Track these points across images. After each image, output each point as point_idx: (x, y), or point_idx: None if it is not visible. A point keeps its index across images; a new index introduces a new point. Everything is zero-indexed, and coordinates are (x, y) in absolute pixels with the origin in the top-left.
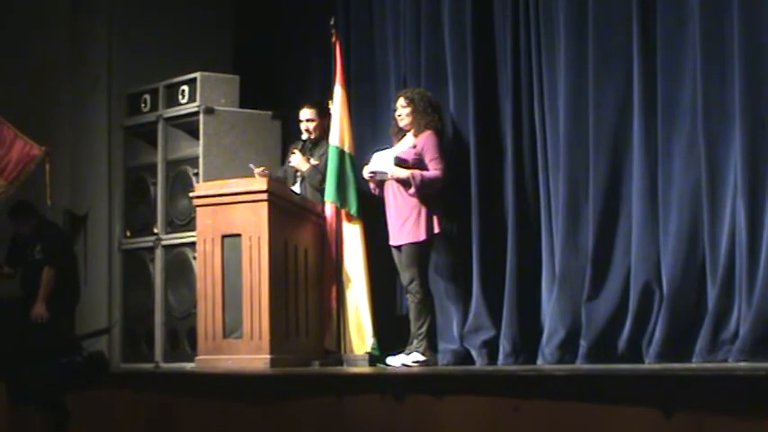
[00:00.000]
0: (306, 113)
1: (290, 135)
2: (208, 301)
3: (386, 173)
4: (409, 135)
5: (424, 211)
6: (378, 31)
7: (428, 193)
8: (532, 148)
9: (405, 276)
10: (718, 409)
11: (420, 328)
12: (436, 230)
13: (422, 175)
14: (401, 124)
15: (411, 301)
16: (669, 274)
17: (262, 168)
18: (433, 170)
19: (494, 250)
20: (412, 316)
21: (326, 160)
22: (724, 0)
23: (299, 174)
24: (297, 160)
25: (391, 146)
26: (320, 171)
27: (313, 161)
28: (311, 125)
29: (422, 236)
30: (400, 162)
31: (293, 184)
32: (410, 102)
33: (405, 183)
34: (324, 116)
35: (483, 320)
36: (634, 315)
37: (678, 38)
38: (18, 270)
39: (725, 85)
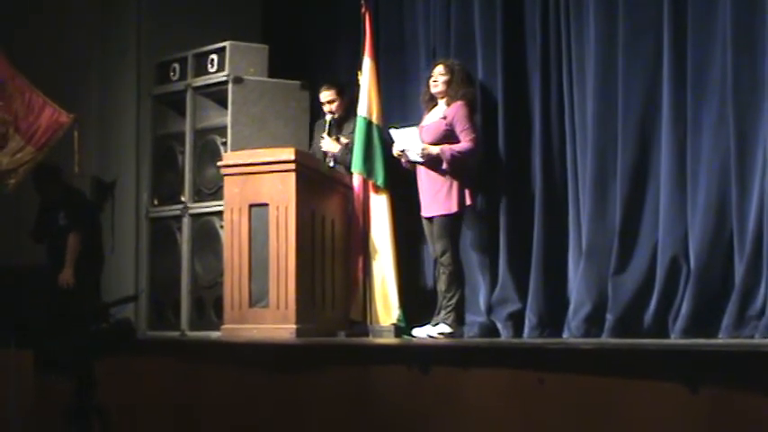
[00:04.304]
0: (325, 95)
1: (319, 105)
2: (234, 270)
3: (415, 152)
4: (441, 104)
5: (455, 183)
6: (407, 2)
7: (461, 166)
8: (561, 121)
9: (437, 248)
10: (744, 385)
11: (450, 300)
12: (468, 202)
13: (451, 149)
14: (434, 90)
15: (442, 273)
16: (696, 249)
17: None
18: (464, 141)
19: (521, 223)
20: (442, 287)
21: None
22: None
23: (329, 156)
24: (327, 144)
25: (421, 115)
26: (351, 150)
27: (343, 139)
28: (333, 105)
29: (453, 208)
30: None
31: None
32: (449, 70)
33: (436, 159)
34: (344, 92)
35: (509, 293)
36: (661, 290)
37: (709, 12)
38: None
39: (755, 59)
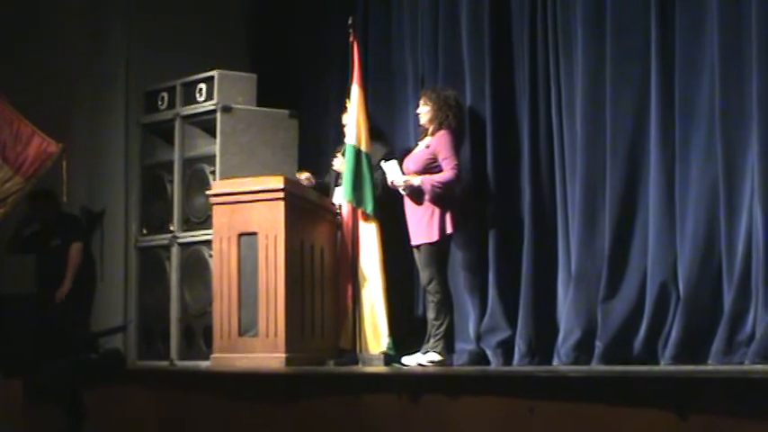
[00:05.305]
0: (346, 118)
1: (307, 134)
2: (224, 299)
3: (399, 183)
4: (428, 134)
5: (437, 211)
6: (396, 30)
7: (444, 195)
8: (549, 147)
9: (423, 276)
10: (734, 412)
11: (438, 327)
12: (449, 231)
13: (431, 180)
14: (420, 122)
15: (430, 301)
16: (685, 276)
17: (307, 175)
18: (446, 170)
19: (510, 250)
20: (430, 315)
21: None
22: (742, 2)
23: (342, 176)
24: (339, 163)
25: (412, 144)
26: None
27: None
28: None
29: (434, 236)
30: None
31: (337, 186)
32: (427, 100)
33: (418, 190)
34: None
35: (499, 321)
36: (650, 316)
37: (696, 41)
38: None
39: (743, 88)
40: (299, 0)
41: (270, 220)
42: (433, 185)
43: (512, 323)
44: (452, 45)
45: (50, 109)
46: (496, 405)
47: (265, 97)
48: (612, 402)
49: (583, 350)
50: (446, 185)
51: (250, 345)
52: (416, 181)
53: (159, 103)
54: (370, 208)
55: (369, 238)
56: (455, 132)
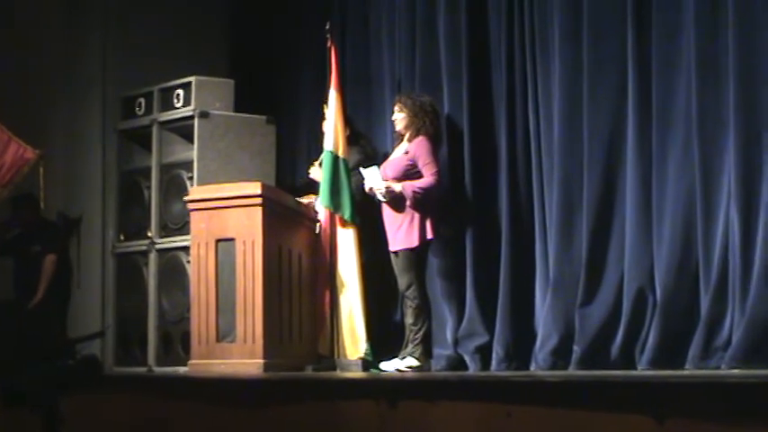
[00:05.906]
0: None
1: (285, 139)
2: (201, 305)
3: (379, 191)
4: (405, 140)
5: (417, 217)
6: (373, 36)
7: (425, 201)
8: (527, 153)
9: (402, 282)
10: (711, 417)
11: (417, 333)
12: (429, 236)
13: (413, 186)
14: (396, 128)
15: (408, 307)
16: (662, 281)
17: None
18: (426, 176)
19: (487, 255)
20: (409, 321)
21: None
22: (719, 8)
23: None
24: (315, 172)
25: (389, 150)
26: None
27: None
28: None
29: (414, 242)
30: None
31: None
32: (402, 107)
33: (399, 196)
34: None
35: (476, 326)
36: (627, 321)
37: (672, 46)
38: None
39: (719, 93)
40: (276, 6)
41: (247, 226)
42: (414, 191)
43: (489, 328)
44: (430, 50)
45: (27, 115)
46: (474, 410)
47: (243, 103)
48: (590, 407)
49: (560, 355)
50: (427, 191)
51: (228, 350)
52: (397, 187)
53: (137, 108)
54: (348, 213)
55: (347, 243)
56: (433, 138)
